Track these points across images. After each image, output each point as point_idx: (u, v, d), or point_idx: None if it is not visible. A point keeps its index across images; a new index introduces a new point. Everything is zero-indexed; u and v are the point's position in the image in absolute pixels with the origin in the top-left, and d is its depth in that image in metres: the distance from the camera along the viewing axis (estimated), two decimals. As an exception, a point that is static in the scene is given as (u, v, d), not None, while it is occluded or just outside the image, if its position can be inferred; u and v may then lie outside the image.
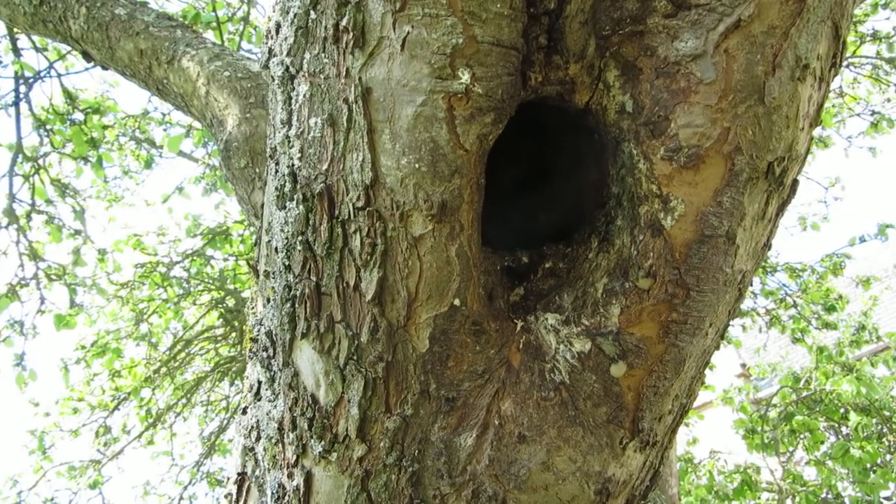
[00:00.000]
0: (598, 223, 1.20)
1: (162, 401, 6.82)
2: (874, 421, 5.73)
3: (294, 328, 1.17)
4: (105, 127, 6.08)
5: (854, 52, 5.84)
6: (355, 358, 1.11)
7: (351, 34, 0.98)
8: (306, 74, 1.06)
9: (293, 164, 1.10)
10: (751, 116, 0.99)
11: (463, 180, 1.02)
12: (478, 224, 1.08)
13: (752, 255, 1.14)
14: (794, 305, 6.36)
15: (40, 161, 5.40)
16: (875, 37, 5.77)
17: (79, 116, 5.51)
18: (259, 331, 1.38)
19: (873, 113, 6.17)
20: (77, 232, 5.78)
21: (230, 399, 6.86)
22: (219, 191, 6.78)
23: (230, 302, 6.54)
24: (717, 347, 1.29)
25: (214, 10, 4.98)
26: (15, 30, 4.49)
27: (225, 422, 6.68)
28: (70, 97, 5.27)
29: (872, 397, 5.35)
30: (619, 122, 1.10)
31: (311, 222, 1.09)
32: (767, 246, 1.19)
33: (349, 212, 1.05)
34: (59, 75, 5.02)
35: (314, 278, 1.11)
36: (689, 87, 0.99)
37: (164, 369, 6.62)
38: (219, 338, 6.77)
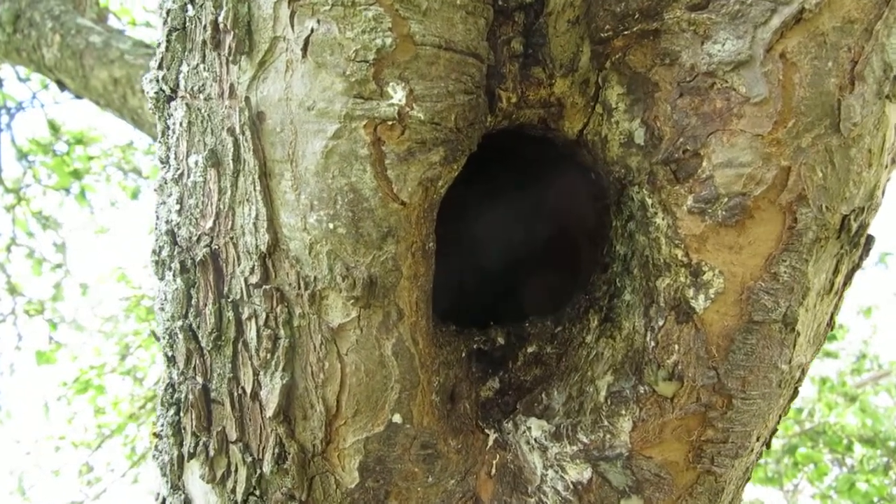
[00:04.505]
0: (599, 294, 0.88)
1: (147, 438, 6.54)
2: (879, 452, 5.44)
3: (181, 444, 0.85)
4: (90, 158, 5.88)
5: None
6: (257, 493, 0.78)
7: (232, 34, 0.67)
8: (184, 94, 0.75)
9: (171, 220, 0.79)
10: (820, 151, 0.68)
11: (399, 246, 0.70)
12: (427, 306, 0.76)
13: (814, 341, 0.82)
14: (794, 334, 6.11)
15: (21, 193, 5.22)
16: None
17: (62, 148, 5.31)
18: (163, 424, 1.06)
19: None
20: (58, 265, 5.59)
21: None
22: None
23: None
24: (760, 456, 0.96)
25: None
26: (-4, 60, 4.30)
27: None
28: (54, 128, 5.06)
29: (878, 429, 5.10)
30: (624, 159, 0.78)
31: (193, 302, 0.77)
32: (830, 325, 0.87)
33: (241, 290, 0.73)
34: (42, 105, 4.80)
35: (201, 380, 0.79)
36: (728, 109, 0.68)
37: (149, 405, 6.34)
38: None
